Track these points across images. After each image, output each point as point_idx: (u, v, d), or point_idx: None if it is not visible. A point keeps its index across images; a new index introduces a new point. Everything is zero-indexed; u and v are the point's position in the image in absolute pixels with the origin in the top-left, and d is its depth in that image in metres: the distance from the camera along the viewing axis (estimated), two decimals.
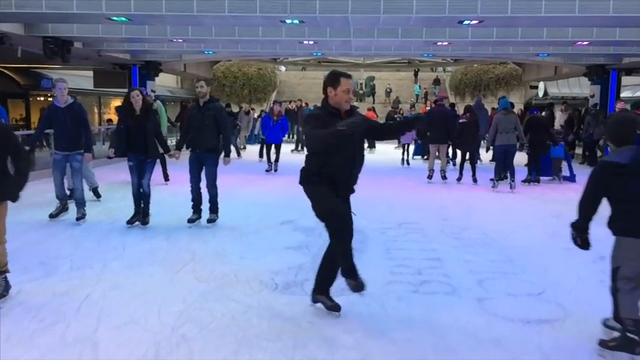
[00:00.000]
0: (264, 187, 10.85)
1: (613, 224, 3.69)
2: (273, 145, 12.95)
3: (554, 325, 4.16)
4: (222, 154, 7.32)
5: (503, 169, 11.03)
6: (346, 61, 29.90)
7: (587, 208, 3.75)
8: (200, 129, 7.02)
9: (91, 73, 19.63)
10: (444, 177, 11.70)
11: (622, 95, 18.07)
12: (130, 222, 7.07)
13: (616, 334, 3.73)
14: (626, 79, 18.41)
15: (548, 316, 4.33)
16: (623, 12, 8.27)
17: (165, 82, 24.85)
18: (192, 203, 7.28)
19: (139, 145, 6.95)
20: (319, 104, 4.26)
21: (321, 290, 4.36)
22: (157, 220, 7.43)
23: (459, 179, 11.82)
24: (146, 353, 3.59)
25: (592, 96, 17.81)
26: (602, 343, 3.72)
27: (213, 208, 7.32)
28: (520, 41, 11.79)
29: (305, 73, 35.14)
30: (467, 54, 15.75)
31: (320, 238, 6.75)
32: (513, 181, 10.71)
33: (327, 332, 3.97)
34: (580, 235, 3.82)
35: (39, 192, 8.26)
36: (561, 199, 9.94)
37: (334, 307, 4.29)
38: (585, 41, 11.53)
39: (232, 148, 16.13)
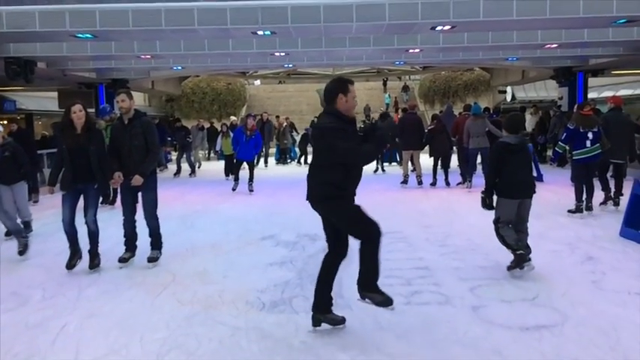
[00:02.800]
0: (241, 203, 10.60)
1: (496, 189, 5.46)
2: (245, 163, 11.65)
3: (552, 330, 4.05)
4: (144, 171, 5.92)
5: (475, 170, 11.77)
6: (316, 72, 29.88)
7: (491, 176, 5.53)
8: (129, 152, 5.85)
9: (56, 94, 19.16)
10: (419, 182, 12.11)
11: (589, 96, 18.35)
12: (70, 266, 5.83)
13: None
14: (592, 81, 18.72)
15: (545, 321, 4.22)
16: (592, 12, 8.35)
17: None
18: (124, 239, 6.15)
19: (79, 171, 5.74)
20: (325, 115, 4.07)
21: (325, 309, 4.17)
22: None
23: (432, 184, 12.21)
24: None
25: (560, 98, 18.05)
26: (508, 268, 5.38)
27: (155, 243, 6.17)
28: (490, 45, 11.86)
29: (275, 87, 35.07)
30: (437, 60, 15.80)
31: (303, 251, 6.62)
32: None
33: (321, 352, 3.79)
34: (487, 198, 5.51)
35: None
36: (538, 200, 9.88)
37: (341, 321, 4.18)
38: (554, 44, 11.64)
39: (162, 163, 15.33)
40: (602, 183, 8.77)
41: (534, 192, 5.57)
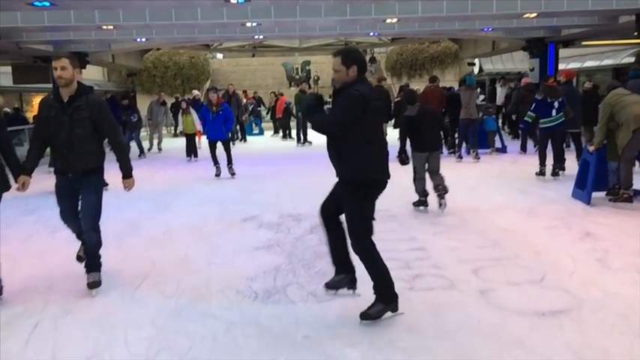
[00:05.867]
0: (215, 182, 10.11)
1: (411, 147, 7.08)
2: (220, 143, 10.26)
3: (571, 316, 3.80)
4: (122, 175, 4.68)
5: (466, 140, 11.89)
6: (282, 45, 29.23)
7: (402, 141, 7.07)
8: (70, 142, 4.35)
9: (9, 69, 18.06)
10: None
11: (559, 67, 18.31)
12: None
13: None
14: (560, 52, 18.65)
15: (560, 305, 3.98)
16: None
17: (90, 75, 23.32)
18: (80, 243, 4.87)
19: None
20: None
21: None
22: (103, 228, 6.62)
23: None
24: None
25: (532, 69, 17.92)
26: (413, 204, 7.24)
27: (93, 265, 4.58)
28: (469, 15, 11.50)
29: (239, 60, 34.18)
30: (413, 31, 15.38)
31: (289, 233, 6.26)
32: (475, 150, 11.54)
33: (328, 347, 3.46)
34: (402, 158, 6.85)
35: None
36: (521, 174, 9.80)
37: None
38: (534, 12, 11.38)
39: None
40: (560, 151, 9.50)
41: (439, 147, 7.26)
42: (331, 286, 4.05)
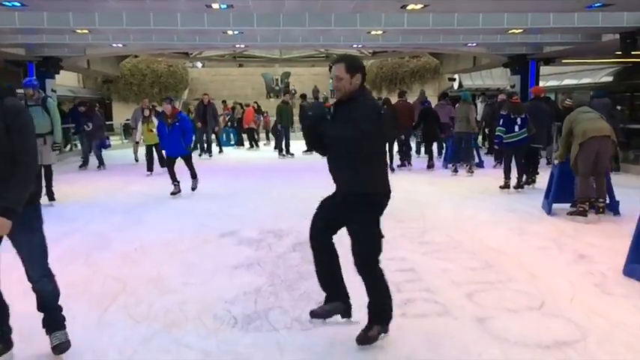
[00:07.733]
0: (191, 194, 9.68)
1: None
2: (182, 159, 9.23)
3: (576, 349, 3.52)
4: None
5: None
6: (262, 55, 29.04)
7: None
8: None
9: None
10: None
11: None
12: None
13: None
14: (542, 69, 18.73)
15: (564, 336, 3.70)
16: None
17: (65, 81, 22.79)
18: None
19: None
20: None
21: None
22: (70, 241, 6.22)
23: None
24: None
25: (512, 86, 17.99)
26: None
27: (56, 321, 3.53)
28: (454, 29, 11.39)
29: (218, 70, 33.85)
30: (397, 44, 15.23)
31: (270, 251, 5.91)
32: (468, 164, 11.60)
33: None
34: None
35: None
36: (505, 190, 9.61)
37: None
38: (519, 28, 11.29)
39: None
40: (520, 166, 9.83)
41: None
42: (321, 314, 3.67)
